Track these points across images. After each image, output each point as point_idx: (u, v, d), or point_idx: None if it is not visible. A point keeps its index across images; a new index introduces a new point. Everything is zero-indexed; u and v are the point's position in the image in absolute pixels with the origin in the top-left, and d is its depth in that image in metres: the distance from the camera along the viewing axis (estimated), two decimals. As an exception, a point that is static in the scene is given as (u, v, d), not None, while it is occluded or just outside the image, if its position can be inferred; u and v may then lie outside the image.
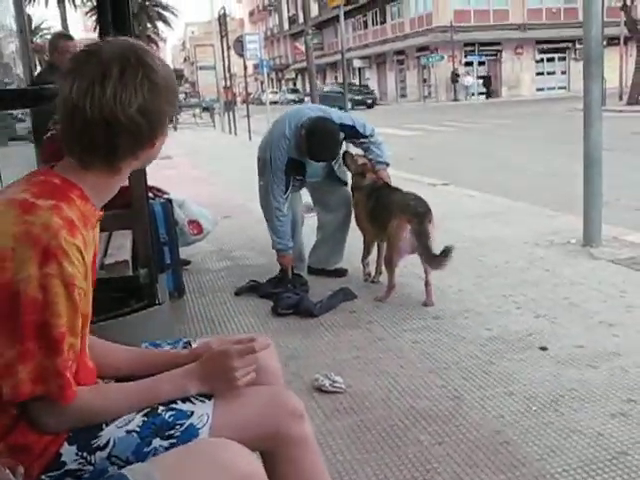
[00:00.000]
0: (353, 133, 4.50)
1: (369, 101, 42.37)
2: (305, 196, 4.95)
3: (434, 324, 3.80)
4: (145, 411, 1.42)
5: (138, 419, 1.41)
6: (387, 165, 4.59)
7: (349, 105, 13.76)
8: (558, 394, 2.89)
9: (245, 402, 1.50)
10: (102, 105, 1.29)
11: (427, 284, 4.16)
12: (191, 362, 1.53)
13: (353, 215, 4.74)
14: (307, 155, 4.34)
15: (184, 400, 1.46)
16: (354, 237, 4.76)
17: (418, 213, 4.06)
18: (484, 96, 42.94)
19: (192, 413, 1.43)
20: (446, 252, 3.93)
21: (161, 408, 1.43)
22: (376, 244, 4.64)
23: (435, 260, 4.00)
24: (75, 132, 1.33)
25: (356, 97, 40.21)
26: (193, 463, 1.30)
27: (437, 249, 3.98)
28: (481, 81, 43.24)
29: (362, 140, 4.55)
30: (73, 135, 1.34)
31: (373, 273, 4.68)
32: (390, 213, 4.18)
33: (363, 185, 4.56)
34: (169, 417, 1.42)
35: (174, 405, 1.45)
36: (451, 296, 4.26)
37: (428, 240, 4.01)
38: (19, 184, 1.35)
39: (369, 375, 3.18)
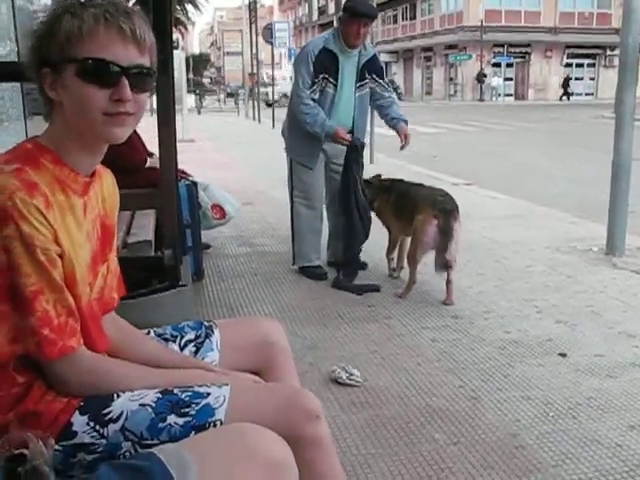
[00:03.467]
0: (379, 70, 4.62)
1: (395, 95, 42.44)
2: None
3: (453, 323, 3.78)
4: (160, 389, 1.43)
5: (152, 395, 1.41)
6: (406, 122, 4.63)
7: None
8: (576, 402, 2.87)
9: (261, 398, 1.49)
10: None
11: (448, 282, 4.14)
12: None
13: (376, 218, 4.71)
14: (349, 14, 4.27)
15: (200, 385, 1.47)
16: (374, 230, 4.73)
17: (445, 210, 4.06)
18: (511, 98, 42.69)
19: (208, 394, 1.43)
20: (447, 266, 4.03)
21: (176, 389, 1.43)
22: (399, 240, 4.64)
23: (441, 263, 4.03)
24: None
25: None
26: (225, 447, 1.29)
27: (462, 248, 3.98)
28: (511, 83, 42.95)
29: (387, 97, 4.64)
30: None
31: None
32: (417, 207, 4.17)
33: (378, 190, 4.60)
34: (185, 396, 1.42)
35: (189, 388, 1.45)
36: (471, 297, 4.23)
37: (450, 240, 4.00)
38: (5, 152, 1.36)
39: (386, 370, 3.18)
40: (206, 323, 1.78)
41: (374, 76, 4.55)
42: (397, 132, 4.59)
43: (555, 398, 2.90)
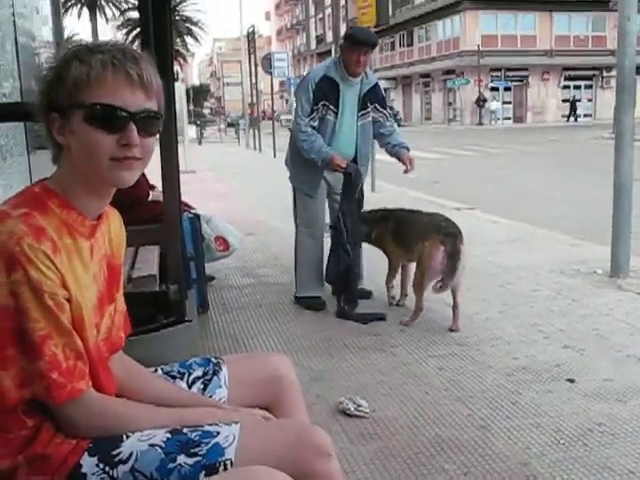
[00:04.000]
0: (381, 100, 4.63)
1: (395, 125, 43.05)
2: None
3: (460, 351, 3.76)
4: (169, 429, 1.42)
5: (162, 435, 1.40)
6: (408, 150, 4.64)
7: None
8: (587, 428, 2.84)
9: (271, 435, 1.48)
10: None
11: (455, 307, 4.15)
12: None
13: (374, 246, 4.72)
14: (351, 43, 4.29)
15: (210, 423, 1.46)
16: (378, 258, 4.73)
17: (451, 233, 4.08)
18: (510, 121, 42.97)
19: (218, 433, 1.42)
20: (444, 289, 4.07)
21: (186, 429, 1.43)
22: (400, 268, 4.63)
23: (441, 286, 4.05)
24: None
25: None
26: None
27: (468, 272, 3.99)
28: (509, 106, 43.31)
29: (388, 126, 4.65)
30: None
31: (398, 296, 4.65)
32: (421, 233, 4.19)
33: (375, 220, 4.61)
34: (195, 436, 1.41)
35: (199, 427, 1.44)
36: (477, 323, 4.22)
37: (458, 262, 4.02)
38: (14, 196, 1.37)
39: (394, 400, 3.15)
40: (214, 360, 1.77)
41: (376, 105, 4.57)
42: (400, 159, 4.60)
43: (565, 425, 2.87)
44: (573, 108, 42.01)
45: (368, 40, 4.35)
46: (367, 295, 4.73)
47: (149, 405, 1.50)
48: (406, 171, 4.58)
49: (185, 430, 1.42)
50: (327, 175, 4.53)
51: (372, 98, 4.54)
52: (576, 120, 41.16)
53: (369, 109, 4.53)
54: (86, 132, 1.31)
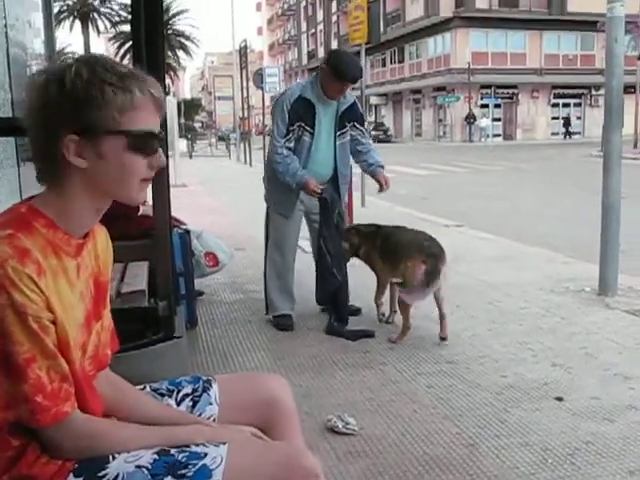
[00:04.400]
0: (359, 118, 4.62)
1: (384, 137, 43.93)
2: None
3: (449, 369, 3.76)
4: (156, 449, 1.41)
5: (149, 456, 1.39)
6: (383, 168, 4.68)
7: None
8: (574, 447, 2.85)
9: (260, 456, 1.47)
10: (25, 109, 1.32)
11: (442, 318, 4.20)
12: None
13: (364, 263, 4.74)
14: (334, 75, 4.21)
15: (197, 444, 1.45)
16: (367, 276, 4.73)
17: (433, 254, 4.13)
18: (499, 138, 43.33)
19: (205, 454, 1.41)
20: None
21: (173, 450, 1.42)
22: (388, 285, 4.64)
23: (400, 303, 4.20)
24: (30, 145, 1.35)
25: (372, 133, 42.09)
26: None
27: (451, 290, 4.03)
28: (499, 123, 43.75)
29: (365, 143, 4.64)
30: (31, 151, 1.36)
31: (387, 313, 4.65)
32: (404, 251, 4.23)
33: (363, 237, 4.62)
34: (182, 457, 1.40)
35: (186, 448, 1.43)
36: (466, 341, 4.23)
37: (435, 281, 4.09)
38: None
39: (382, 418, 3.15)
40: (204, 377, 1.76)
41: (355, 123, 4.55)
42: (375, 178, 4.65)
43: (553, 444, 2.88)
44: (567, 125, 42.55)
45: (354, 77, 4.32)
46: (356, 312, 4.73)
47: (136, 425, 1.49)
48: (381, 190, 4.63)
49: (172, 451, 1.41)
50: (303, 197, 4.49)
51: (350, 117, 4.51)
52: (570, 137, 41.70)
53: (347, 128, 4.50)
54: (126, 157, 1.33)
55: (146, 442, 1.42)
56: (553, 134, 44.38)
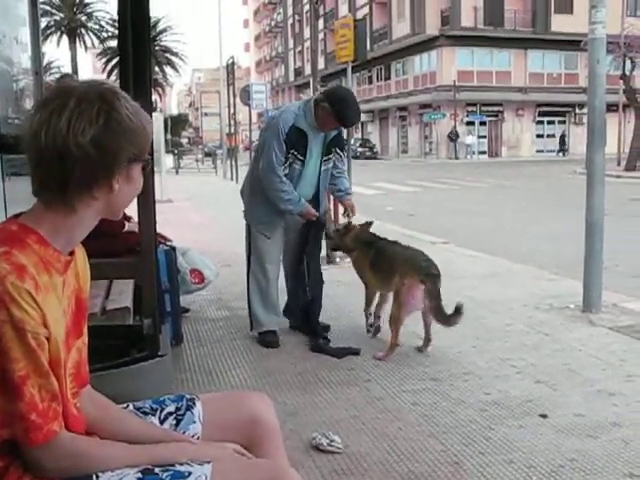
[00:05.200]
0: (342, 143, 4.71)
1: (370, 154, 44.47)
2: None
3: (433, 386, 3.77)
4: (140, 468, 1.41)
5: (132, 476, 1.39)
6: (350, 195, 4.79)
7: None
8: (558, 464, 2.86)
9: (243, 474, 1.48)
10: (55, 133, 1.29)
11: (427, 339, 4.33)
12: None
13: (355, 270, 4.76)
14: (337, 118, 4.29)
15: (181, 463, 1.45)
16: (350, 293, 4.75)
17: (432, 274, 4.17)
18: (485, 155, 43.69)
19: (190, 473, 1.42)
20: (459, 310, 4.11)
21: (157, 469, 1.42)
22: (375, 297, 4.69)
23: (449, 319, 4.13)
24: (32, 165, 1.34)
25: (358, 150, 42.78)
26: None
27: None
28: (484, 140, 44.19)
29: (339, 167, 4.71)
30: (32, 169, 1.35)
31: (373, 322, 4.69)
32: (398, 268, 4.25)
33: (359, 242, 4.65)
34: (166, 476, 1.40)
35: (170, 466, 1.43)
36: (450, 357, 4.24)
37: (440, 301, 4.13)
38: None
39: (367, 436, 3.15)
40: (188, 395, 1.75)
41: (337, 149, 4.63)
42: (342, 203, 4.80)
43: (537, 461, 2.89)
44: (562, 143, 43.10)
45: (354, 123, 4.57)
46: (325, 329, 4.72)
47: (121, 443, 1.48)
48: (346, 214, 4.73)
49: (156, 470, 1.42)
50: (287, 215, 4.55)
51: (335, 143, 4.59)
52: (564, 155, 42.27)
53: (332, 155, 4.58)
54: (141, 179, 1.45)
55: (130, 461, 1.42)
56: (538, 151, 44.77)
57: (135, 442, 1.51)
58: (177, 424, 1.67)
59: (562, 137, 44.07)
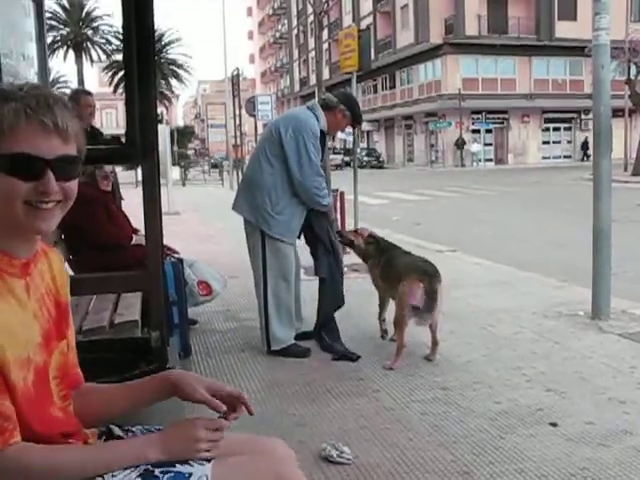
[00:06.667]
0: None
1: (376, 163, 44.86)
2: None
3: (443, 395, 3.75)
4: (140, 471, 1.40)
5: (132, 479, 1.39)
6: None
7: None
8: (570, 473, 2.84)
9: (244, 471, 1.47)
10: None
11: (434, 343, 4.33)
12: (164, 388, 1.56)
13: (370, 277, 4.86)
14: (354, 120, 4.61)
15: (182, 463, 1.44)
16: (360, 303, 4.74)
17: (428, 272, 4.24)
18: (491, 162, 43.64)
19: (190, 474, 1.41)
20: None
21: (157, 470, 1.41)
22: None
23: (421, 320, 4.22)
24: None
25: (364, 159, 43.10)
26: None
27: (449, 317, 4.08)
28: (491, 148, 44.18)
29: None
30: None
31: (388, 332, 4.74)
32: (400, 273, 4.32)
33: (372, 251, 4.75)
34: (167, 478, 1.40)
35: (171, 468, 1.42)
36: (459, 367, 4.22)
37: (436, 300, 4.16)
38: None
39: (376, 446, 3.13)
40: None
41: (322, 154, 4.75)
42: None
43: (548, 470, 2.87)
44: (585, 149, 42.94)
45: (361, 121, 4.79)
46: (309, 336, 4.73)
47: (76, 446, 1.47)
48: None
49: (156, 472, 1.40)
50: None
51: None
52: (588, 159, 42.20)
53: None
54: (3, 180, 1.31)
55: (89, 465, 1.39)
56: (544, 158, 44.71)
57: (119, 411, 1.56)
58: None
59: (585, 143, 43.60)
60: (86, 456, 1.42)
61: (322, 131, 4.48)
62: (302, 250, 4.80)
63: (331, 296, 4.64)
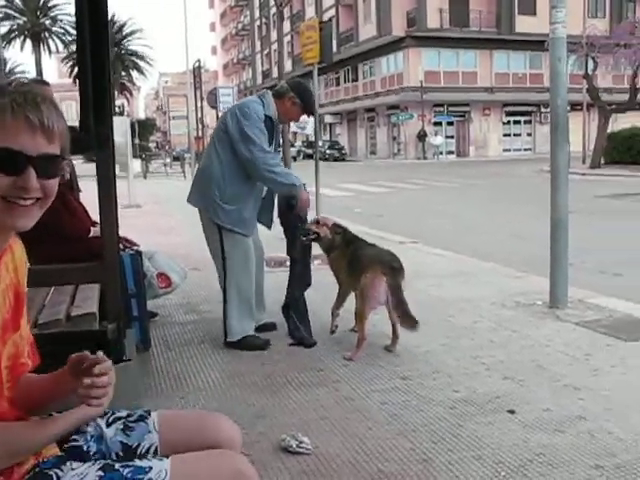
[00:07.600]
0: (282, 138, 4.95)
1: (339, 155, 44.95)
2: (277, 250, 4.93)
3: (402, 385, 3.78)
4: (100, 465, 1.41)
5: (94, 473, 1.39)
6: None
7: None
8: (526, 459, 2.88)
9: (201, 467, 1.48)
10: None
11: (395, 337, 4.33)
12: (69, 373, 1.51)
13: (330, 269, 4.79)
14: (305, 109, 4.55)
15: (140, 457, 1.46)
16: (324, 294, 4.75)
17: (393, 267, 4.21)
18: (453, 155, 44.08)
19: (150, 468, 1.42)
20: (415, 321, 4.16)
21: (118, 464, 1.42)
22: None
23: (408, 319, 4.13)
24: None
25: (327, 151, 43.17)
26: None
27: (411, 306, 4.15)
28: (452, 140, 44.42)
29: None
30: None
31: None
32: (365, 265, 4.27)
33: (339, 242, 4.63)
34: (127, 473, 1.41)
35: (130, 462, 1.44)
36: (419, 356, 4.26)
37: (402, 294, 4.15)
38: None
39: (336, 436, 3.14)
40: (143, 410, 1.69)
41: (280, 142, 4.78)
42: None
43: (505, 456, 2.91)
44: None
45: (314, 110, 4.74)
46: (271, 327, 4.75)
47: (25, 422, 1.48)
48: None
49: (117, 466, 1.42)
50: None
51: (280, 137, 4.77)
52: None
53: (280, 147, 4.77)
54: None
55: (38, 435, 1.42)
56: (505, 150, 45.30)
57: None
58: (125, 429, 1.61)
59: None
60: (37, 431, 1.44)
61: (271, 118, 4.42)
62: (270, 241, 4.79)
63: (301, 276, 4.62)
